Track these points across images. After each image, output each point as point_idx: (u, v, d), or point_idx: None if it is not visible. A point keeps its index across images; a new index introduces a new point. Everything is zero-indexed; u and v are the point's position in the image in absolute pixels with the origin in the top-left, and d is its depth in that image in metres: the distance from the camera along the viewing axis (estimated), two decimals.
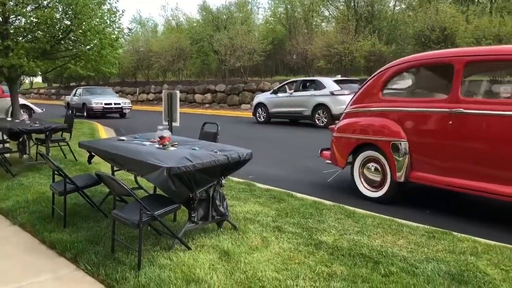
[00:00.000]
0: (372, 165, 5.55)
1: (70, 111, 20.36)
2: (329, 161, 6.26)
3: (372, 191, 5.56)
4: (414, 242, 3.84)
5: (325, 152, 6.48)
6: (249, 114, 18.77)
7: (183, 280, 3.16)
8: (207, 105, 26.24)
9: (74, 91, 22.86)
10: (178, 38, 31.33)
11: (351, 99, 6.07)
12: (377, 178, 5.49)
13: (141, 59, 33.37)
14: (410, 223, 4.38)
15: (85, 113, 20.27)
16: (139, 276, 3.25)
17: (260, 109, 16.82)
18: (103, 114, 20.05)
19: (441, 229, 4.13)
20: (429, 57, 5.23)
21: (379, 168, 5.45)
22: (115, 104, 20.40)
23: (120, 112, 20.48)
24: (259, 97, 17.31)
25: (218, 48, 28.10)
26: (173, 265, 3.43)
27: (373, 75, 5.76)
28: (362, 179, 5.70)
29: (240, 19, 32.85)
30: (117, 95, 23.89)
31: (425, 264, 3.35)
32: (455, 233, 4.04)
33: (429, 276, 3.14)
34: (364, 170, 5.65)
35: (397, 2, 27.82)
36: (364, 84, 5.86)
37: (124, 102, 20.84)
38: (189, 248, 3.73)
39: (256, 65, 27.83)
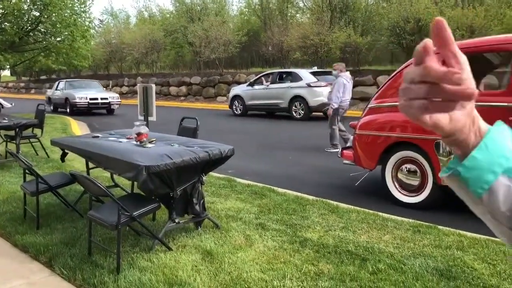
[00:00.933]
0: (408, 167, 4.94)
1: (51, 107, 18.95)
2: (348, 162, 5.70)
3: (409, 196, 4.95)
4: (399, 237, 3.79)
5: (346, 152, 5.78)
6: (225, 106, 18.60)
7: (165, 283, 3.02)
8: (182, 98, 25.89)
9: (56, 85, 20.39)
10: (151, 30, 30.75)
11: (376, 92, 5.50)
12: (415, 181, 4.88)
13: (113, 51, 32.64)
14: (394, 217, 4.34)
15: (68, 110, 18.12)
16: (119, 280, 3.10)
17: (236, 102, 16.68)
18: (89, 111, 17.96)
19: (426, 223, 4.10)
20: (481, 44, 4.56)
21: (417, 170, 4.86)
22: (101, 99, 18.11)
23: (107, 108, 18.26)
24: (236, 90, 17.16)
25: (192, 40, 27.70)
26: (154, 268, 3.29)
27: (406, 64, 5.07)
28: (395, 183, 5.06)
29: (215, 10, 32.44)
30: (103, 89, 21.24)
31: (412, 260, 3.31)
32: (440, 227, 4.01)
33: (418, 273, 3.09)
34: (398, 173, 5.03)
35: None
36: (394, 75, 5.24)
37: (112, 97, 18.52)
38: (170, 249, 3.59)
39: (231, 57, 27.57)
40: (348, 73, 8.42)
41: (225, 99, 22.14)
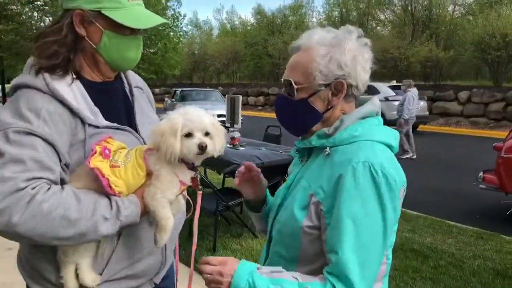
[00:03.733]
0: None
1: None
2: (484, 186, 5.16)
3: None
4: (462, 241, 4.14)
5: (488, 176, 5.12)
6: None
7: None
8: (259, 108, 26.80)
9: (173, 93, 17.88)
10: (233, 42, 32.15)
11: None
12: None
13: (197, 61, 34.48)
14: (459, 224, 4.67)
15: None
16: None
17: None
18: None
19: (489, 231, 4.40)
20: None
21: None
22: (218, 116, 14.52)
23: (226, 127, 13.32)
24: None
25: (272, 52, 28.67)
26: (243, 250, 3.93)
27: None
28: None
29: (295, 23, 33.26)
30: (224, 101, 16.48)
31: (472, 260, 3.67)
32: (503, 236, 4.30)
33: (475, 270, 3.46)
34: None
35: (456, 7, 27.30)
36: None
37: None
38: (256, 236, 4.21)
39: None
40: (415, 88, 9.97)
41: None
